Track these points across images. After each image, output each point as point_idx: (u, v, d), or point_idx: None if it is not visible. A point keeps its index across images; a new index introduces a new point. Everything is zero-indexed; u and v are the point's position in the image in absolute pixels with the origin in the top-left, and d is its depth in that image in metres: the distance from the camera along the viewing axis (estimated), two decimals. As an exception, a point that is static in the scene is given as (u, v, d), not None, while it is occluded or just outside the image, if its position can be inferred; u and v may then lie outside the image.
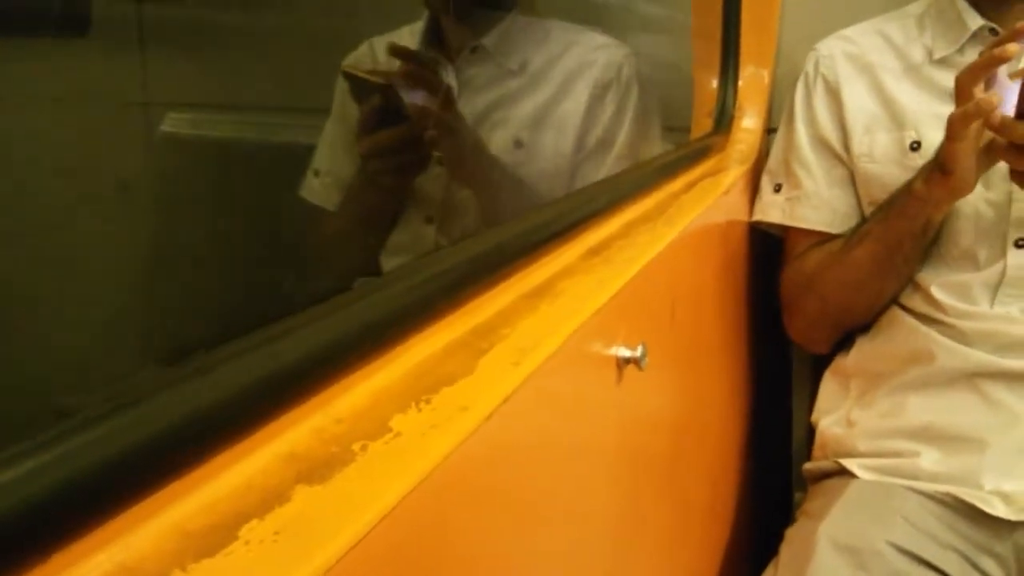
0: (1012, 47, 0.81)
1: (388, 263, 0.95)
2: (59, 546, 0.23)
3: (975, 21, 0.96)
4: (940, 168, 0.87)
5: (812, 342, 1.10)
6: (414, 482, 0.31)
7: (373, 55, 0.94)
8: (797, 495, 1.10)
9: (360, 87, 0.81)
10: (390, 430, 0.33)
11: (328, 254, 0.91)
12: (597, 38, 1.01)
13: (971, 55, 0.94)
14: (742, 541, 1.04)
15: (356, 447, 0.32)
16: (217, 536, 0.26)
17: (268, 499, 0.28)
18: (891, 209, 0.94)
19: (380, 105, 0.78)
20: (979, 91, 0.82)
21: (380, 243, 0.94)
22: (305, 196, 0.95)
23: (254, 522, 0.27)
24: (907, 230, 0.93)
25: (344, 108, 0.90)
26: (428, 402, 0.36)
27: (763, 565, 0.90)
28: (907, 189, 0.91)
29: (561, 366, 0.46)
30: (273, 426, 0.31)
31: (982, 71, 0.81)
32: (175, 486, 0.27)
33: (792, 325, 1.08)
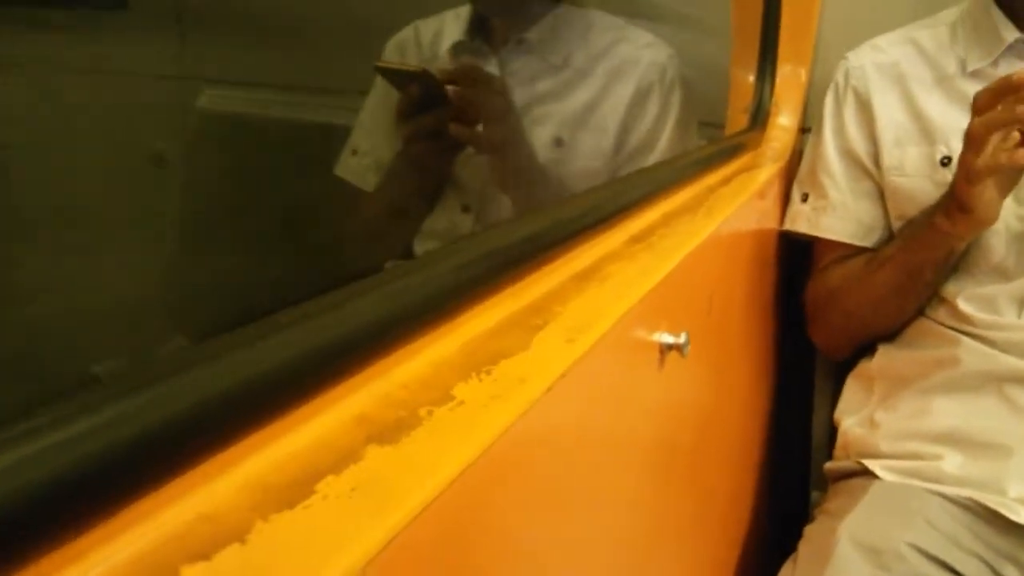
0: None
1: (421, 248, 0.95)
2: (145, 491, 0.24)
3: (1011, 33, 0.94)
4: (960, 207, 0.86)
5: (834, 351, 1.11)
6: (479, 450, 0.31)
7: (417, 38, 0.94)
8: (815, 494, 1.10)
9: (395, 77, 0.82)
10: (453, 398, 0.33)
11: (362, 234, 0.91)
12: (642, 36, 1.00)
13: (1005, 68, 0.93)
14: (760, 536, 1.04)
15: (423, 412, 0.32)
16: (296, 490, 0.26)
17: (342, 457, 0.28)
18: (913, 237, 0.94)
19: (418, 91, 0.78)
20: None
21: (415, 228, 0.94)
22: (340, 174, 0.95)
23: (330, 478, 0.27)
24: (929, 259, 0.93)
25: (386, 89, 0.90)
26: (488, 373, 0.36)
27: (777, 562, 0.90)
28: (928, 221, 0.91)
29: (610, 347, 0.46)
30: (342, 388, 0.32)
31: (999, 94, 0.80)
32: (253, 439, 0.27)
33: (815, 334, 1.09)
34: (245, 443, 0.27)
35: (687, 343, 0.54)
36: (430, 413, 0.32)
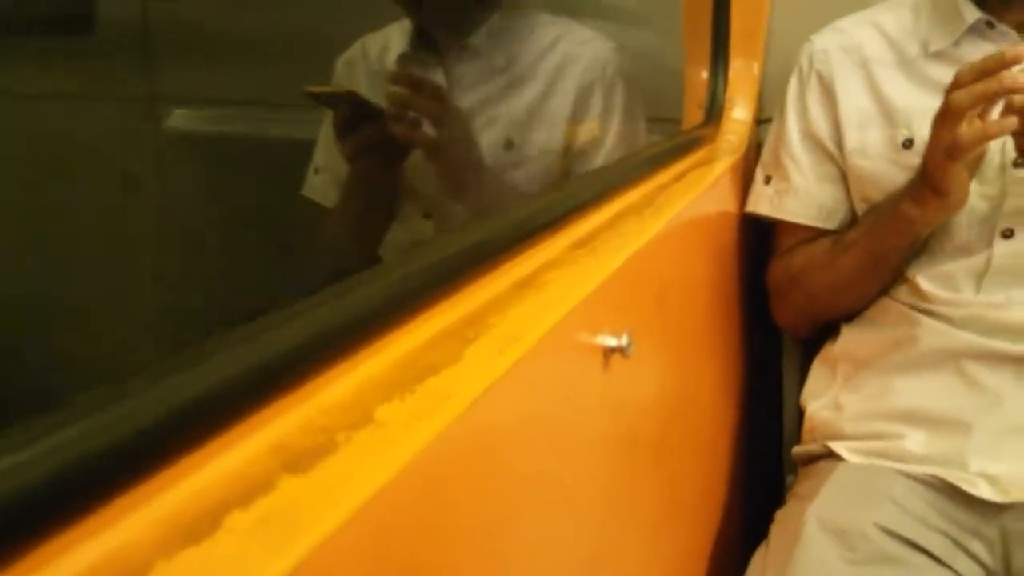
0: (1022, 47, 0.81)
1: (388, 256, 0.96)
2: (43, 538, 0.24)
3: (972, 13, 0.95)
4: (933, 189, 0.86)
5: (796, 330, 1.12)
6: (396, 470, 0.32)
7: (365, 53, 0.95)
8: (788, 478, 1.11)
9: (326, 100, 0.85)
10: (374, 420, 0.34)
11: (327, 251, 0.92)
12: (582, 33, 1.01)
13: (967, 48, 0.94)
14: (734, 524, 1.05)
15: (340, 437, 0.32)
16: (202, 525, 0.27)
17: (253, 488, 0.29)
18: (878, 223, 0.95)
19: (348, 111, 0.81)
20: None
21: (378, 239, 0.95)
22: (307, 194, 0.96)
23: (238, 511, 0.28)
24: (894, 245, 0.94)
25: None
26: (413, 392, 0.36)
27: (754, 547, 0.91)
28: (895, 208, 0.91)
29: (547, 355, 0.47)
30: (260, 416, 0.32)
31: (983, 73, 0.80)
32: (161, 476, 0.28)
33: (778, 315, 1.10)
34: (155, 480, 0.28)
35: (629, 344, 0.55)
36: (348, 438, 0.32)
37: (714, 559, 0.96)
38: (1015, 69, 0.80)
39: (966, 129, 0.81)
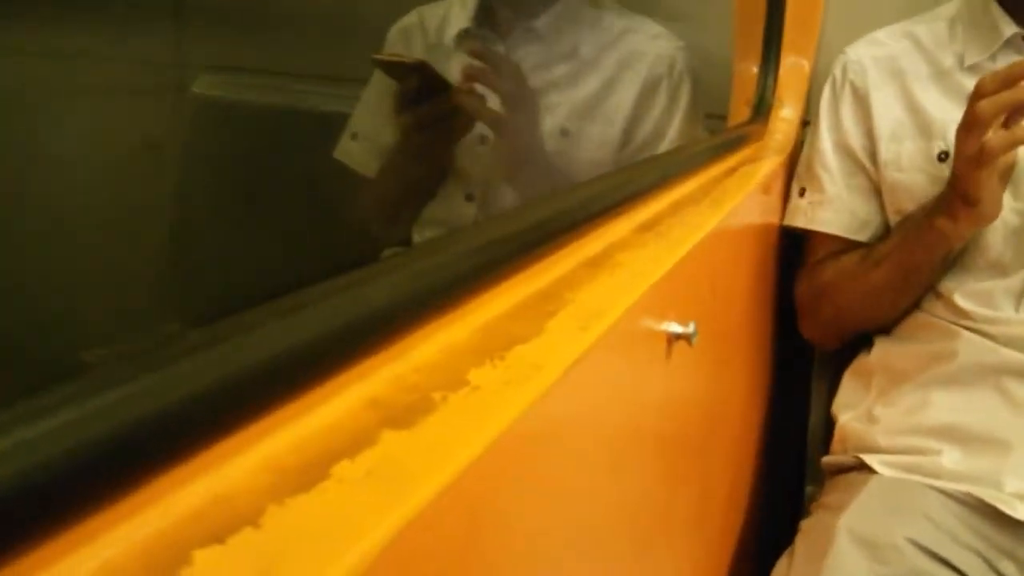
0: None
1: (420, 237, 0.94)
2: (157, 472, 0.23)
3: (1009, 28, 0.94)
4: (964, 199, 0.85)
5: (823, 343, 1.11)
6: (494, 435, 0.30)
7: (423, 24, 0.93)
8: (809, 488, 1.10)
9: (393, 70, 0.82)
10: (468, 383, 0.33)
11: (362, 221, 0.91)
12: (651, 27, 0.99)
13: (1003, 62, 0.92)
14: (755, 530, 1.04)
15: (437, 396, 0.31)
16: (310, 473, 0.26)
17: (356, 441, 0.28)
18: (910, 236, 0.93)
19: (416, 83, 0.79)
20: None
21: (415, 215, 0.93)
22: (339, 157, 0.95)
23: (345, 462, 0.26)
24: (926, 260, 0.93)
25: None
26: (502, 359, 0.35)
27: (769, 554, 0.90)
28: (927, 222, 0.90)
29: (621, 336, 0.45)
30: (354, 371, 0.31)
31: (1006, 82, 0.80)
32: (266, 421, 0.27)
33: (805, 328, 1.09)
34: (258, 425, 0.26)
35: (695, 332, 0.53)
36: (444, 398, 0.31)
37: (735, 564, 0.95)
38: None
39: (993, 135, 0.81)
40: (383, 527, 0.24)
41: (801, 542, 0.89)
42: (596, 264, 0.49)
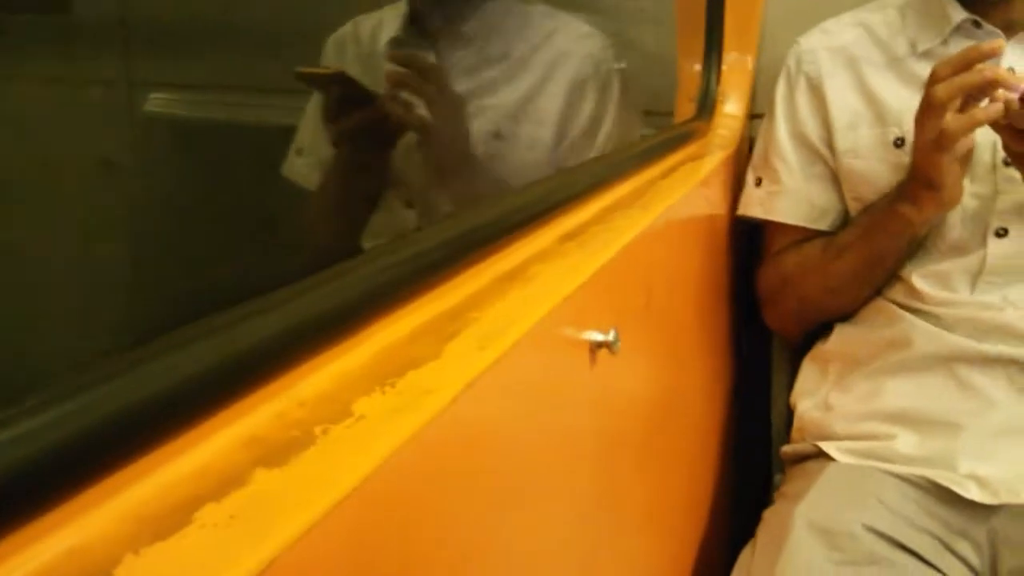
0: (998, 42, 0.81)
1: (369, 246, 0.95)
2: (8, 529, 0.23)
3: (958, 14, 0.95)
4: (927, 185, 0.86)
5: (788, 332, 1.12)
6: (374, 465, 0.31)
7: (356, 34, 0.93)
8: (777, 477, 1.11)
9: (315, 81, 0.83)
10: (352, 413, 0.33)
11: (308, 235, 0.91)
12: (579, 27, 1.00)
13: (955, 48, 0.94)
14: (721, 523, 1.05)
15: (318, 430, 0.32)
16: (172, 519, 0.26)
17: (225, 482, 0.28)
18: (873, 225, 0.94)
19: (338, 92, 0.80)
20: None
21: (359, 226, 0.94)
22: (287, 175, 0.95)
23: (210, 505, 0.27)
24: (890, 247, 0.94)
25: None
26: (393, 386, 0.36)
27: (740, 545, 0.90)
28: (891, 210, 0.91)
29: (531, 350, 0.46)
30: (234, 409, 0.31)
31: (961, 66, 0.81)
32: (130, 469, 0.27)
33: (769, 318, 1.10)
34: (124, 472, 0.27)
35: (616, 340, 0.54)
36: (325, 431, 0.32)
37: (700, 558, 0.96)
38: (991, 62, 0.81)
39: (951, 119, 0.81)
40: (240, 570, 0.25)
41: (762, 532, 0.90)
42: (509, 279, 0.50)
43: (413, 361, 0.38)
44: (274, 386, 0.33)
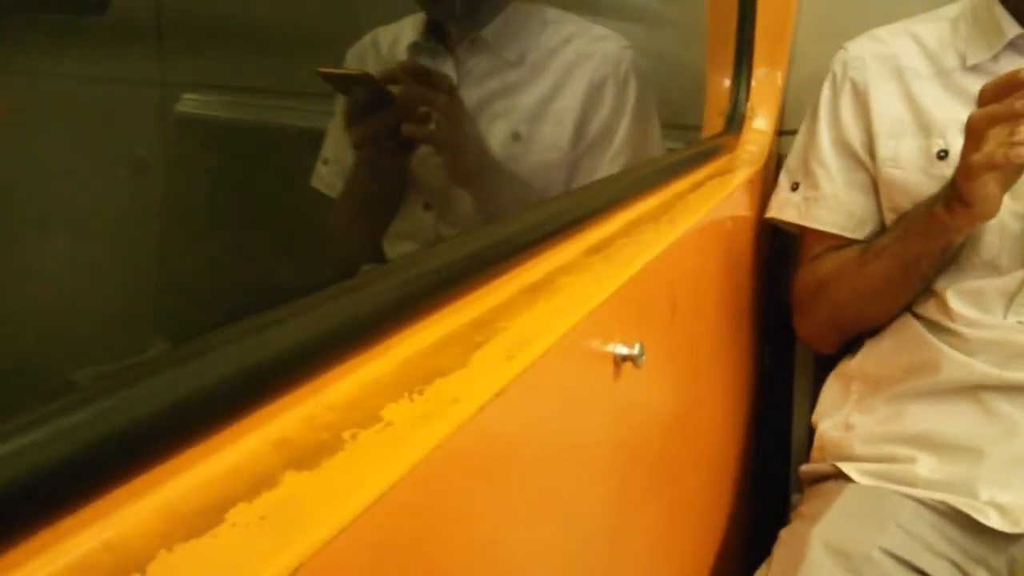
0: None
1: (390, 250, 0.96)
2: (45, 523, 0.24)
3: (1013, 28, 0.94)
4: (960, 201, 0.85)
5: (820, 343, 1.10)
6: (403, 471, 0.31)
7: (376, 44, 0.95)
8: (794, 496, 1.10)
9: (339, 82, 0.83)
10: (381, 419, 0.34)
11: (331, 242, 0.92)
12: (596, 30, 1.00)
13: (1006, 64, 0.93)
14: (737, 540, 1.04)
15: (347, 435, 0.32)
16: (204, 518, 0.26)
17: (256, 483, 0.28)
18: (910, 228, 0.93)
19: (362, 95, 0.80)
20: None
21: (381, 230, 0.94)
22: (315, 185, 0.96)
23: (241, 505, 0.27)
24: (926, 251, 0.92)
25: None
26: (420, 393, 0.36)
27: (756, 564, 0.90)
28: (928, 211, 0.90)
29: (556, 362, 0.46)
30: (264, 412, 0.32)
31: (1004, 89, 0.80)
32: (164, 468, 0.27)
33: (801, 326, 1.08)
34: (158, 470, 0.27)
35: (641, 353, 0.54)
36: (354, 436, 0.32)
37: (718, 572, 0.96)
38: None
39: (991, 148, 0.81)
40: (270, 571, 0.25)
41: (778, 552, 0.89)
42: (535, 290, 0.50)
43: (440, 369, 0.39)
44: (303, 390, 0.34)
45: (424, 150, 0.87)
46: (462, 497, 0.36)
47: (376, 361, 0.38)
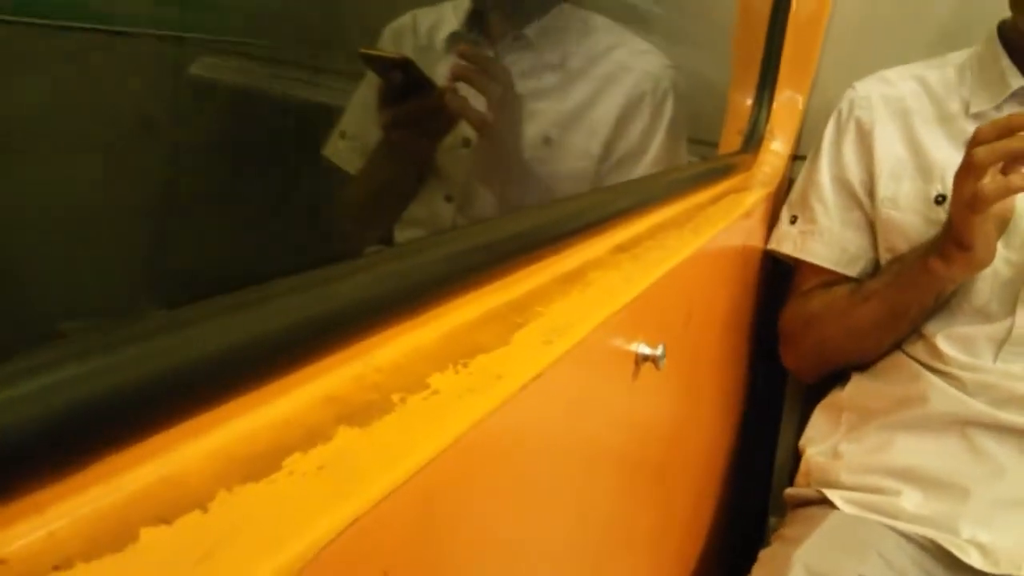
0: None
1: (402, 237, 0.95)
2: (110, 449, 0.24)
3: (1017, 80, 0.96)
4: (958, 244, 0.86)
5: (804, 374, 1.12)
6: (451, 439, 0.31)
7: (415, 26, 0.94)
8: (772, 519, 1.11)
9: (378, 65, 0.83)
10: (428, 386, 0.33)
11: (344, 218, 0.91)
12: (639, 43, 1.00)
13: (1007, 112, 0.94)
14: (715, 557, 1.05)
15: (395, 398, 0.32)
16: (262, 463, 0.26)
17: (311, 435, 0.28)
18: (902, 275, 0.94)
19: (400, 79, 0.79)
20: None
21: (396, 215, 0.94)
22: (327, 155, 0.95)
23: (297, 455, 0.27)
24: (917, 300, 0.93)
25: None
26: (465, 366, 0.36)
27: (732, 582, 0.90)
28: (921, 262, 0.91)
29: (587, 353, 0.46)
30: (315, 366, 0.31)
31: (1005, 131, 0.81)
32: (221, 410, 0.27)
33: (787, 356, 1.09)
34: (215, 412, 0.27)
35: (663, 356, 0.54)
36: (403, 399, 0.32)
37: (693, 588, 0.96)
38: None
39: (989, 181, 0.81)
40: (330, 521, 0.25)
41: (757, 572, 0.89)
42: (569, 280, 0.50)
43: (482, 345, 0.38)
44: (352, 349, 0.33)
45: (454, 140, 0.86)
46: (497, 471, 0.36)
47: (420, 329, 0.37)
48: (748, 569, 0.90)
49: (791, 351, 1.09)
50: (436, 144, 0.89)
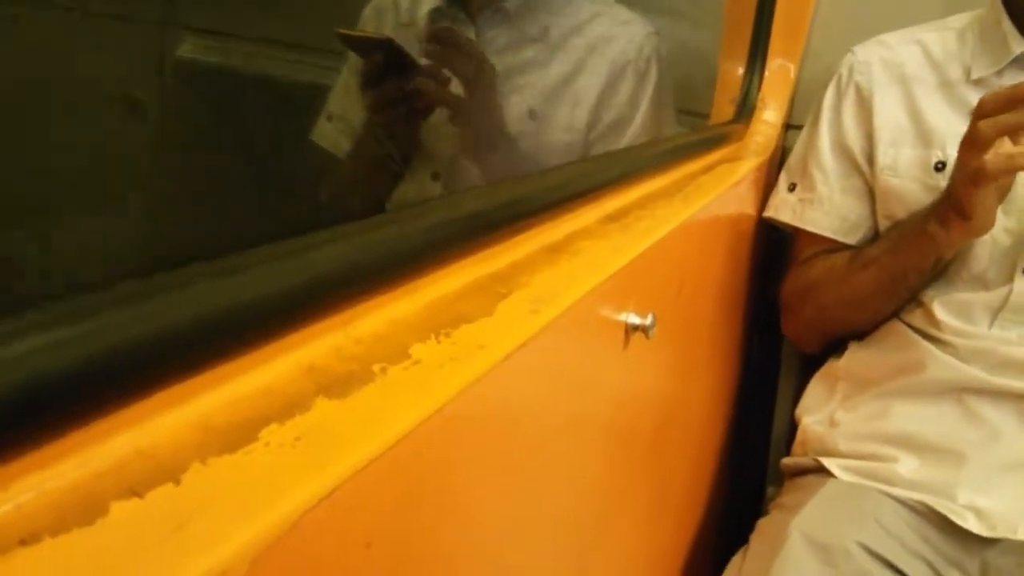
0: None
1: (428, 202, 0.94)
2: (75, 424, 0.23)
3: (1020, 45, 0.94)
4: (959, 213, 0.85)
5: (804, 343, 1.11)
6: (432, 409, 0.31)
7: (395, 2, 0.93)
8: (770, 489, 1.11)
9: (358, 45, 0.82)
10: (409, 356, 0.33)
11: (333, 200, 0.91)
12: (622, 13, 0.99)
13: (1010, 79, 0.93)
14: (713, 525, 1.05)
15: (376, 368, 0.31)
16: (238, 434, 0.26)
17: (289, 406, 0.28)
18: (901, 241, 0.93)
19: (381, 59, 0.78)
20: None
21: (386, 195, 0.93)
22: (315, 139, 0.94)
23: (274, 426, 0.27)
24: (915, 266, 0.93)
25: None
26: (448, 336, 0.35)
27: (726, 551, 0.91)
28: (920, 228, 0.90)
29: (574, 322, 0.46)
30: (294, 336, 0.31)
31: (1010, 102, 0.80)
32: (197, 380, 0.27)
33: (787, 325, 1.09)
34: (189, 383, 0.26)
35: (653, 325, 0.54)
36: (383, 370, 0.31)
37: (691, 558, 0.96)
38: None
39: (992, 156, 0.81)
40: (306, 492, 0.24)
41: (755, 540, 0.90)
42: (556, 250, 0.49)
43: (465, 315, 0.38)
44: (332, 320, 0.33)
45: (439, 119, 0.85)
46: (480, 441, 0.36)
47: (402, 300, 0.37)
48: (747, 538, 0.91)
49: (791, 320, 1.08)
50: (421, 123, 0.88)
